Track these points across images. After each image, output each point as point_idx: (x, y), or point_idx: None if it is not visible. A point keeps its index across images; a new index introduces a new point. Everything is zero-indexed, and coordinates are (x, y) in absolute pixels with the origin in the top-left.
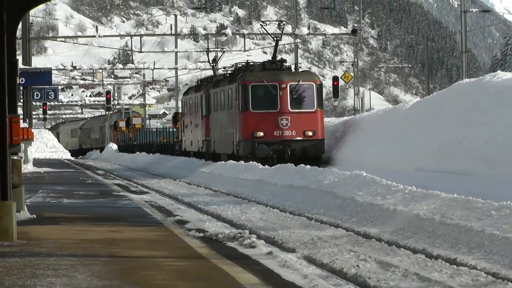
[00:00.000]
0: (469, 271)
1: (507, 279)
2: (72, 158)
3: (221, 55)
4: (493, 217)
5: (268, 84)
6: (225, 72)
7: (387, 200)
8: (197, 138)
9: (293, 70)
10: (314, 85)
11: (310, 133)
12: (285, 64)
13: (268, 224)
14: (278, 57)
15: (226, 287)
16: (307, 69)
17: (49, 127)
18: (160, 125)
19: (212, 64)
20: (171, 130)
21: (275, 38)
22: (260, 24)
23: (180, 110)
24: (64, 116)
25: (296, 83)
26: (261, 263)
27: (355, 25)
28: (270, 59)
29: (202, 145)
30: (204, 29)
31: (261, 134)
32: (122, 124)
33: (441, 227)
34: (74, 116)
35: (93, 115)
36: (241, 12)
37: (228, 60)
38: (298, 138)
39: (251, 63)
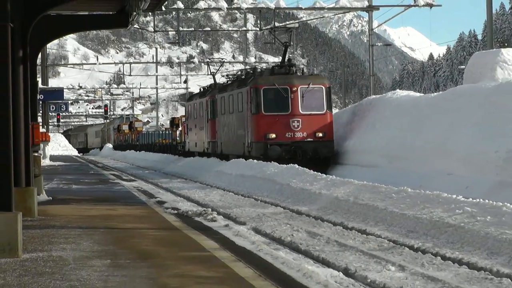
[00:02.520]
0: (375, 238)
1: (404, 244)
2: (79, 155)
3: (221, 65)
4: (393, 198)
5: (280, 87)
6: (227, 79)
7: (314, 186)
8: (202, 140)
9: (301, 74)
10: (324, 88)
11: (320, 134)
12: (293, 68)
13: (225, 204)
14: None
15: (194, 250)
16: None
17: (61, 131)
18: (144, 130)
19: (212, 73)
20: (169, 132)
21: (285, 43)
22: (270, 31)
23: (162, 117)
24: (73, 123)
25: (307, 86)
26: (220, 233)
27: (290, 55)
28: (279, 63)
29: (208, 146)
30: (178, 58)
31: (273, 135)
32: (125, 127)
33: (354, 206)
34: (80, 123)
35: (94, 122)
36: (205, 46)
37: (196, 81)
38: (309, 139)
39: (258, 69)
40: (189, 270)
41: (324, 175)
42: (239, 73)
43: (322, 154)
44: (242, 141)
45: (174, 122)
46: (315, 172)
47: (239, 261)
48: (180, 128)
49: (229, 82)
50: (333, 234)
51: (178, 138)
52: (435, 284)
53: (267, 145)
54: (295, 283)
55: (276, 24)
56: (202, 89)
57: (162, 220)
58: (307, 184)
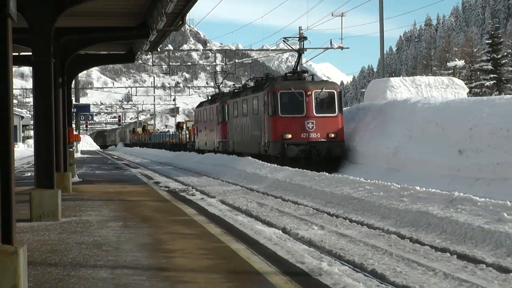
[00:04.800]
0: (304, 207)
1: (324, 211)
2: (101, 150)
3: (225, 76)
4: (316, 180)
5: (295, 91)
6: (234, 88)
7: (262, 171)
8: (213, 140)
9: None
10: (335, 92)
11: (333, 135)
12: (305, 74)
13: (201, 183)
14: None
15: (179, 215)
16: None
17: (89, 134)
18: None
19: (217, 84)
20: (175, 133)
21: (298, 50)
22: (283, 40)
23: (158, 124)
24: (96, 128)
25: (320, 90)
26: (197, 203)
27: (246, 83)
28: (292, 70)
29: (218, 145)
30: (169, 84)
31: (290, 136)
32: (139, 129)
33: (290, 185)
34: (103, 128)
35: (112, 127)
36: (187, 75)
37: (181, 100)
38: (322, 139)
39: (270, 76)
40: (176, 229)
41: (269, 164)
42: (247, 82)
43: (334, 154)
44: (258, 141)
45: (179, 126)
46: (263, 162)
47: (211, 223)
48: (185, 130)
49: (235, 90)
50: (275, 204)
51: (183, 138)
52: (345, 239)
53: (284, 145)
54: (249, 238)
55: (237, 60)
56: (210, 97)
57: (158, 195)
58: (257, 170)
